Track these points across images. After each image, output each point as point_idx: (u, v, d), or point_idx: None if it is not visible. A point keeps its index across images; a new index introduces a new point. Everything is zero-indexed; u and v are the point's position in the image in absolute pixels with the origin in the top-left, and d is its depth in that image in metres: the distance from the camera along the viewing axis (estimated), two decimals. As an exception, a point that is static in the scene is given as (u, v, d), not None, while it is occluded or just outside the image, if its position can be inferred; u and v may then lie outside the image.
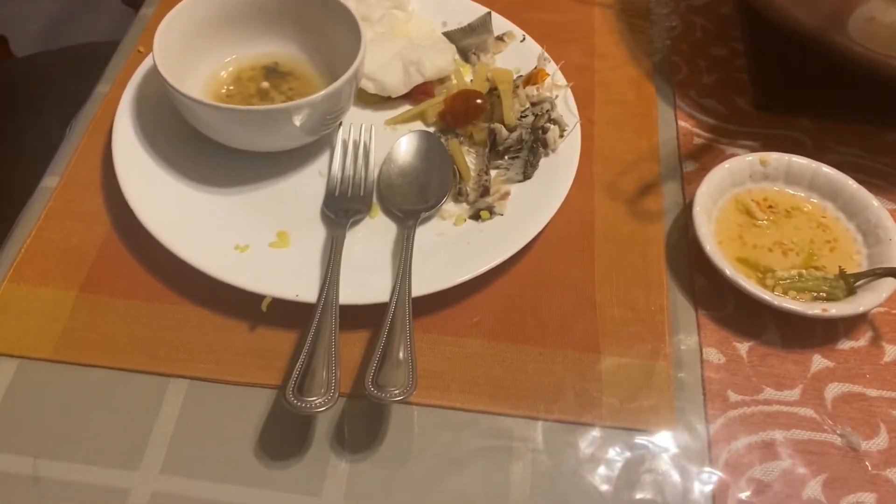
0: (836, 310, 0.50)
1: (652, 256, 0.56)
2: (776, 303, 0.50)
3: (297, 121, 0.54)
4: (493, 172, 0.58)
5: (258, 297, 0.50)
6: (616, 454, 0.47)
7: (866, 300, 0.51)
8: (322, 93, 0.53)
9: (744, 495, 0.45)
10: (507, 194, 0.57)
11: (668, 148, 0.62)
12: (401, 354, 0.46)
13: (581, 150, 0.59)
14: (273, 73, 0.62)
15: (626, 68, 0.68)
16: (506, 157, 0.59)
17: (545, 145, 0.58)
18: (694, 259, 0.55)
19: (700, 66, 0.69)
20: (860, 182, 0.57)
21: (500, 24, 0.67)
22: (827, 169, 0.57)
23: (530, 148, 0.58)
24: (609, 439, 0.47)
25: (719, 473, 0.46)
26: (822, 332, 0.52)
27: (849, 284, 0.52)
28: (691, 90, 0.67)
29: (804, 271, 0.53)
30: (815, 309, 0.50)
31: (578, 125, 0.59)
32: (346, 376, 0.49)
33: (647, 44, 0.71)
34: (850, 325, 0.53)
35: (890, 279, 0.51)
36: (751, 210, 0.56)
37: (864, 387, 0.50)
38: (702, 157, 0.61)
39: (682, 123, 0.64)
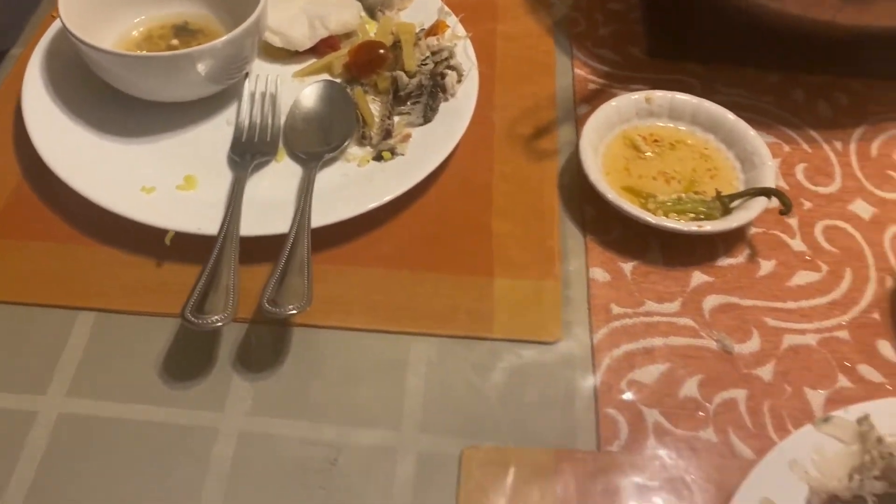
0: (710, 226, 0.54)
1: (545, 191, 0.59)
2: (654, 222, 0.53)
3: (200, 68, 0.56)
4: (396, 118, 0.61)
5: (164, 235, 0.52)
6: (506, 364, 0.50)
7: (739, 217, 0.54)
8: (222, 39, 0.55)
9: (624, 396, 0.49)
10: (408, 136, 0.59)
11: (565, 94, 0.66)
12: (297, 274, 0.48)
13: (482, 98, 0.62)
14: (183, 31, 0.64)
15: (526, 23, 0.72)
16: (408, 103, 0.61)
17: (444, 90, 0.61)
18: (583, 191, 0.58)
19: (597, 20, 0.72)
20: (745, 119, 0.61)
21: (405, -18, 0.71)
22: (708, 104, 0.61)
23: (430, 93, 0.61)
24: (499, 351, 0.50)
25: (602, 377, 0.49)
26: (702, 251, 0.56)
27: (724, 205, 0.56)
28: (588, 42, 0.70)
29: (684, 195, 0.57)
30: (691, 226, 0.54)
31: (476, 71, 0.62)
32: (250, 303, 0.51)
33: (548, 5, 0.74)
34: (728, 244, 0.57)
35: (762, 198, 0.55)
36: (637, 144, 0.60)
37: (739, 298, 0.54)
38: (595, 101, 0.64)
39: (578, 72, 0.68)
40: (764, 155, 0.58)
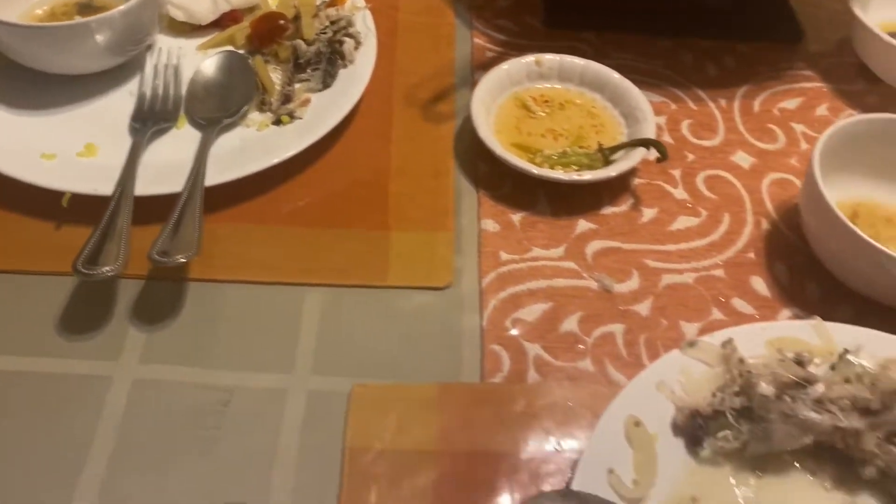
0: (590, 175, 0.57)
1: (441, 151, 0.62)
2: (538, 172, 0.56)
3: (99, 38, 0.58)
4: (297, 85, 0.63)
5: (62, 199, 0.54)
6: (398, 309, 0.52)
7: (619, 167, 0.57)
8: (118, 9, 0.57)
9: (509, 333, 0.51)
10: (307, 101, 0.62)
11: (463, 62, 0.68)
12: (189, 228, 0.50)
13: (383, 65, 0.65)
14: (87, 8, 0.66)
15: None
16: (308, 70, 0.63)
17: (342, 57, 0.63)
18: (477, 150, 0.61)
19: (498, -8, 0.75)
20: (635, 82, 0.64)
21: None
22: (595, 65, 0.64)
23: (328, 59, 0.63)
24: (392, 298, 0.53)
25: (488, 317, 0.52)
26: (588, 202, 0.59)
27: (605, 156, 0.59)
28: (488, 13, 0.73)
29: (569, 149, 0.60)
30: (572, 176, 0.56)
31: (374, 38, 0.65)
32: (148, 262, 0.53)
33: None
34: (613, 194, 0.60)
35: (640, 149, 0.58)
36: (527, 105, 0.63)
37: (622, 242, 0.57)
38: (491, 67, 0.67)
39: (476, 41, 0.70)
40: (645, 110, 0.61)
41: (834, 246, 0.53)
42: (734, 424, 0.45)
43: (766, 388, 0.45)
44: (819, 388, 0.44)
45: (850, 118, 0.56)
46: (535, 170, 0.56)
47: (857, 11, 0.67)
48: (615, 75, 0.63)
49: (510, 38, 0.71)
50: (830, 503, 0.44)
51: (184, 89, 0.62)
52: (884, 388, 0.44)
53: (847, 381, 0.45)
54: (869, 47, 0.68)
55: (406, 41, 0.70)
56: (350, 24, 0.65)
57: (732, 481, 0.44)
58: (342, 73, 0.63)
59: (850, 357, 0.46)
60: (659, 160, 0.58)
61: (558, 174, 0.56)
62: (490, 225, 0.57)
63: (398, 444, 0.46)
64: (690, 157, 0.63)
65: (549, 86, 0.64)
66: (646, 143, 0.58)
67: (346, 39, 0.63)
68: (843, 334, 0.48)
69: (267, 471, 0.44)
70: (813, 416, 0.44)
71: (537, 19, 0.73)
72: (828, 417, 0.44)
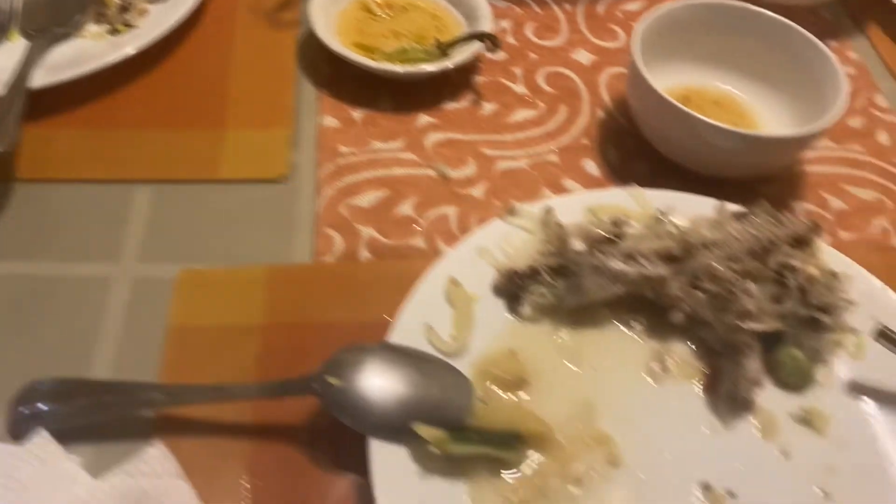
0: (428, 67, 0.57)
1: (284, 54, 0.62)
2: (374, 66, 0.57)
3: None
4: (135, -2, 0.62)
5: None
6: (230, 201, 0.52)
7: (455, 59, 0.58)
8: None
9: (343, 217, 0.52)
10: (144, 11, 0.61)
11: (310, -26, 0.69)
12: (8, 124, 0.49)
13: (229, -21, 0.65)
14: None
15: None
16: (148, -16, 0.63)
17: (181, -33, 0.63)
18: (320, 53, 0.61)
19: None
20: None
21: None
22: (438, -32, 0.65)
23: (166, -31, 0.62)
24: (226, 190, 0.53)
25: (323, 204, 0.52)
26: (429, 97, 0.60)
27: (443, 51, 0.60)
28: (338, -71, 0.73)
29: (408, 46, 0.60)
30: (408, 69, 0.57)
31: (215, -51, 0.64)
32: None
33: None
34: (454, 90, 0.61)
35: (476, 42, 0.59)
36: (370, 8, 0.63)
37: (461, 134, 0.58)
38: (338, -23, 0.67)
39: (326, -46, 0.70)
40: (482, 8, 0.62)
41: (655, 121, 0.55)
42: (549, 281, 0.46)
43: (577, 244, 0.47)
44: (628, 243, 0.46)
45: (672, 3, 0.58)
46: (372, 64, 0.57)
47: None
48: (456, -23, 0.64)
49: (358, -49, 0.71)
50: (644, 350, 0.46)
51: (18, 2, 0.60)
52: (691, 240, 0.47)
53: (659, 237, 0.47)
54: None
55: (253, -44, 0.69)
56: (189, -65, 0.65)
57: (551, 336, 0.46)
58: (182, -17, 0.63)
59: (661, 217, 0.48)
60: (489, 49, 0.59)
61: (395, 67, 0.57)
62: (330, 121, 0.57)
63: (223, 320, 0.46)
64: (533, 56, 0.64)
65: (393, -10, 0.65)
66: (479, 35, 0.59)
67: (185, -51, 0.63)
68: (659, 199, 0.51)
69: (88, 351, 0.44)
70: (622, 266, 0.46)
71: (388, -66, 0.73)
72: (635, 268, 0.46)
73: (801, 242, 0.47)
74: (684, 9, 0.59)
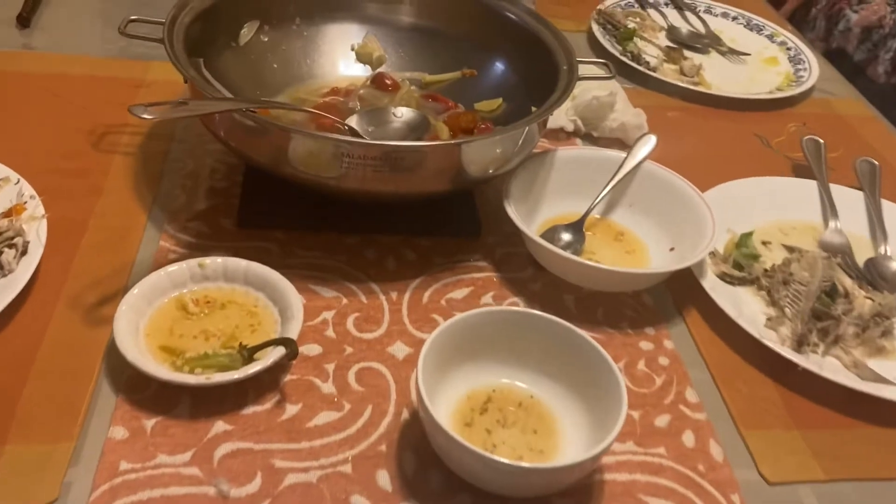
0: (219, 377, 0.57)
1: (91, 355, 0.62)
2: (166, 377, 0.57)
3: None
4: (-48, 295, 0.63)
5: None
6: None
7: (255, 366, 0.59)
8: None
9: (104, 551, 0.49)
10: (-46, 312, 0.62)
11: (144, 265, 0.70)
12: None
13: (54, 271, 0.67)
14: None
15: (127, 199, 0.77)
16: (-36, 281, 0.64)
17: (1, 267, 0.64)
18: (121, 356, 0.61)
19: (199, 195, 0.79)
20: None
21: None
22: (256, 265, 0.67)
23: (-18, 269, 0.64)
24: (-15, 519, 0.51)
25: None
26: (231, 402, 0.59)
27: (244, 357, 0.60)
28: (182, 215, 0.76)
29: (210, 351, 0.61)
30: (199, 378, 0.57)
31: (41, 247, 0.66)
32: None
33: (156, 182, 0.80)
34: (259, 392, 0.61)
35: (280, 347, 0.60)
36: (186, 306, 0.65)
37: (254, 443, 0.57)
38: (168, 268, 0.69)
39: (163, 244, 0.72)
40: (296, 308, 0.63)
41: (441, 444, 0.55)
42: None
43: None
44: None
45: (452, 319, 0.59)
46: (163, 375, 0.57)
47: (512, 215, 0.73)
48: (275, 274, 0.66)
49: (199, 240, 0.74)
50: None
51: None
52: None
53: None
54: (530, 244, 0.74)
55: (90, 244, 0.71)
56: (20, 233, 0.67)
57: None
58: (1, 281, 0.64)
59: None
60: (289, 357, 0.60)
61: (187, 378, 0.57)
62: (119, 432, 0.56)
63: None
64: (349, 350, 0.65)
65: (215, 286, 0.66)
66: (279, 342, 0.60)
67: (6, 250, 0.65)
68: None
69: None
70: None
71: (231, 221, 0.76)
72: None
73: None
74: (471, 317, 0.60)
